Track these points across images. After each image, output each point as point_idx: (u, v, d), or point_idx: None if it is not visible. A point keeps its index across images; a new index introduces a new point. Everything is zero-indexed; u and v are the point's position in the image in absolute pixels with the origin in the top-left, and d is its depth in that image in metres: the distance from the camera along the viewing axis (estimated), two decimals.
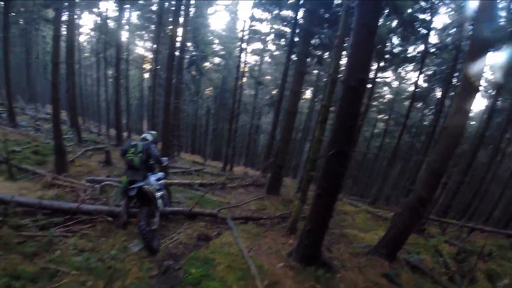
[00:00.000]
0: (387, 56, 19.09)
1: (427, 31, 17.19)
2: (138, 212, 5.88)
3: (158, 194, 6.63)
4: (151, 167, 6.72)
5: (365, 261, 6.91)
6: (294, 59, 18.41)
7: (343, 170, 5.37)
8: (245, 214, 9.18)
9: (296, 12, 15.77)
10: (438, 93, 23.95)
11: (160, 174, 7.28)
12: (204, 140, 40.01)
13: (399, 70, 26.28)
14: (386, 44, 17.88)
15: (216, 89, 37.85)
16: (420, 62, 18.17)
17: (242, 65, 21.42)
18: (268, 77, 36.26)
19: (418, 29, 17.37)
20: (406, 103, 30.87)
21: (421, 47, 18.86)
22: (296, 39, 15.78)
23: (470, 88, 6.43)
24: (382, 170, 34.12)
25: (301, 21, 16.16)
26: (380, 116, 33.61)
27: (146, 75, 37.10)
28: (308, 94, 33.51)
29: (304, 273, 5.68)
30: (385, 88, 31.41)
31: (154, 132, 7.03)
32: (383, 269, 6.52)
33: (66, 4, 16.81)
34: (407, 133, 27.19)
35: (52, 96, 10.31)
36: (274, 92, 34.65)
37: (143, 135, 6.80)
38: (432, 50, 18.64)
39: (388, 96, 32.16)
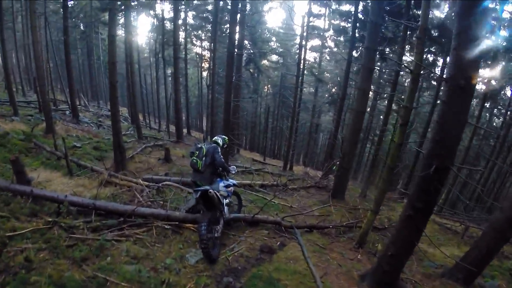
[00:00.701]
0: None
1: None
2: (200, 217, 5.66)
3: (225, 201, 6.33)
4: (220, 173, 6.47)
5: (439, 285, 6.06)
6: (355, 55, 17.78)
7: (440, 189, 4.50)
8: (309, 221, 8.47)
9: (356, 6, 15.21)
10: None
11: (231, 181, 6.84)
12: (263, 138, 39.65)
13: None
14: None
15: (275, 87, 37.46)
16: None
17: (302, 62, 20.53)
18: (327, 75, 34.93)
19: None
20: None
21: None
22: (357, 34, 15.11)
23: None
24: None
25: (360, 15, 15.57)
26: None
27: (205, 74, 37.38)
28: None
29: None
30: None
31: (225, 137, 6.78)
32: None
33: (121, 6, 17.04)
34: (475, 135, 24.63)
35: (110, 94, 10.31)
36: (334, 89, 33.54)
37: (214, 138, 6.57)
38: None
39: None
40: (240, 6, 15.06)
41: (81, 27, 33.63)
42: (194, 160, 5.93)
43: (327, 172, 16.52)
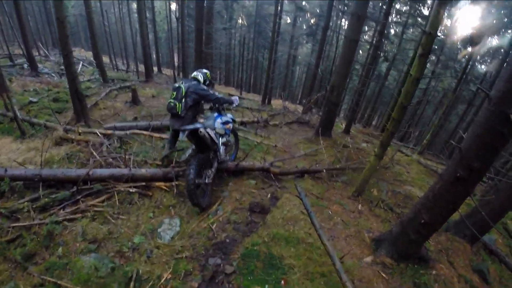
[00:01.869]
0: None
1: None
2: (190, 161, 4.79)
3: (222, 140, 5.75)
4: (218, 108, 5.90)
5: (445, 241, 5.51)
6: None
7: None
8: (298, 164, 7.77)
9: None
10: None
11: (229, 117, 6.15)
12: (239, 71, 38.18)
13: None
14: None
15: (250, 17, 35.56)
16: None
17: None
18: (306, 4, 33.01)
19: None
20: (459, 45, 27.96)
21: None
22: None
23: None
24: (428, 116, 32.23)
25: None
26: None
27: (173, 6, 34.57)
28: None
29: (401, 273, 4.16)
30: None
31: (206, 71, 5.55)
32: (466, 255, 5.32)
33: None
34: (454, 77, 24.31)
35: (58, 33, 8.52)
36: (313, 20, 31.93)
37: (194, 73, 5.40)
38: None
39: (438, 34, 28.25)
40: None
41: None
42: (172, 103, 4.87)
43: (308, 106, 15.92)
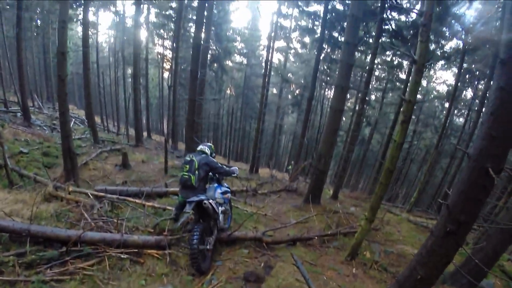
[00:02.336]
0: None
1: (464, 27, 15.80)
2: (193, 229, 5.04)
3: (221, 208, 5.89)
4: (218, 178, 6.19)
5: None
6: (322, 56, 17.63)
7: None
8: (290, 232, 7.75)
9: (326, 5, 15.29)
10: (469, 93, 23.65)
11: (226, 187, 6.42)
12: (227, 140, 38.76)
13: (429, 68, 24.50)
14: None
15: (238, 88, 37.05)
16: (461, 58, 16.66)
17: (269, 61, 19.85)
18: (291, 76, 34.76)
19: (455, 24, 16.28)
20: (436, 103, 29.54)
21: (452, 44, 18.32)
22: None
23: None
24: (413, 173, 32.94)
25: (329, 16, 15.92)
26: None
27: (166, 75, 35.98)
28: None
29: None
30: None
31: (210, 144, 6.21)
32: None
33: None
34: (434, 134, 25.97)
35: (58, 90, 8.76)
36: (298, 91, 33.41)
37: (200, 147, 6.00)
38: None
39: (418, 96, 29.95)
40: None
41: (38, 22, 31.05)
42: (186, 176, 5.38)
43: (296, 174, 16.02)
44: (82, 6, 17.84)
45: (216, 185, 6.03)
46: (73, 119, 21.36)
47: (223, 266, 5.28)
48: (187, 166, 5.43)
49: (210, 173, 5.95)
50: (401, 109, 5.80)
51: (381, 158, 21.59)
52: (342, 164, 15.30)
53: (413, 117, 27.60)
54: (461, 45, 16.76)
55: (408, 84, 5.67)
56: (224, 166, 5.84)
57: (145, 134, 24.64)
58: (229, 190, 6.49)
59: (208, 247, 5.19)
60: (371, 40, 16.48)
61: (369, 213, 6.15)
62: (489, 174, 3.22)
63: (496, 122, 3.29)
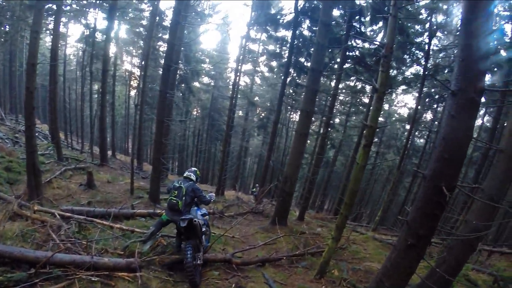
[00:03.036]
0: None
1: (424, 54, 16.86)
2: (185, 246, 5.47)
3: (203, 229, 6.16)
4: (196, 203, 6.36)
5: None
6: (288, 80, 18.14)
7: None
8: (257, 253, 7.87)
9: (294, 31, 15.48)
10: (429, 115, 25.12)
11: (205, 210, 6.76)
12: (192, 162, 38.37)
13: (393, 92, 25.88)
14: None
15: (204, 110, 37.01)
16: (421, 83, 17.54)
17: (237, 84, 20.14)
18: (257, 99, 35.25)
19: (415, 52, 17.57)
20: (398, 125, 30.88)
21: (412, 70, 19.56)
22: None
23: None
24: (377, 193, 33.97)
25: (296, 42, 16.23)
26: None
27: (133, 93, 35.42)
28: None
29: None
30: None
31: (196, 169, 6.53)
32: None
33: (51, 7, 15.28)
34: (397, 155, 27.10)
35: (25, 103, 8.51)
36: (263, 114, 33.86)
37: (186, 173, 6.31)
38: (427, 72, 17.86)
39: (380, 119, 31.33)
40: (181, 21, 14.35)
41: (6, 28, 29.41)
42: (174, 201, 5.73)
43: (262, 196, 16.20)
44: (54, 16, 17.31)
45: (196, 208, 6.29)
46: (36, 134, 20.41)
47: None
48: (175, 192, 5.76)
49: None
50: (363, 134, 6.21)
51: (345, 180, 22.27)
52: (307, 186, 15.56)
53: (376, 139, 28.75)
54: (421, 71, 17.73)
55: (370, 110, 6.08)
56: (206, 196, 6.17)
57: (109, 153, 24.07)
58: (207, 212, 6.81)
59: (199, 262, 5.56)
60: (336, 66, 17.13)
61: (335, 232, 6.43)
62: (443, 192, 3.56)
63: (447, 146, 3.67)
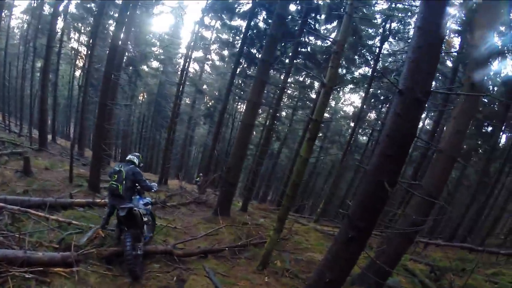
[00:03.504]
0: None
1: (374, 56, 17.88)
2: (124, 235, 5.44)
3: (145, 219, 6.08)
4: (139, 191, 6.35)
5: None
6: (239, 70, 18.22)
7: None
8: (200, 244, 7.92)
9: (249, 21, 15.69)
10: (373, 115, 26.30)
11: (148, 199, 6.70)
12: (136, 149, 37.18)
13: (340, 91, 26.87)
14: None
15: (151, 95, 35.92)
16: (368, 84, 18.59)
17: (186, 70, 19.71)
18: (206, 87, 34.88)
19: (366, 54, 18.47)
20: (342, 122, 32.14)
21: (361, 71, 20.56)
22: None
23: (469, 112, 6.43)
24: (319, 186, 35.12)
25: (250, 32, 16.48)
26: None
27: (78, 73, 33.33)
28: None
29: None
30: None
31: (139, 154, 6.44)
32: None
33: None
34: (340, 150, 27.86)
35: None
36: (211, 102, 33.60)
37: (129, 156, 6.24)
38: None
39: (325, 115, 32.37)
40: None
41: None
42: (114, 185, 5.67)
43: (205, 186, 16.55)
44: None
45: (138, 196, 6.25)
46: None
47: (134, 283, 5.17)
48: (115, 175, 5.69)
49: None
50: (308, 127, 6.44)
51: (289, 172, 22.82)
52: (251, 177, 15.78)
53: (321, 134, 29.64)
54: (370, 72, 18.62)
55: (317, 104, 6.26)
56: (147, 182, 6.08)
57: (50, 137, 22.58)
58: (150, 201, 6.70)
59: (139, 252, 5.48)
60: (287, 60, 17.41)
61: (277, 223, 6.65)
62: (385, 187, 3.72)
63: (391, 143, 3.83)
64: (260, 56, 14.19)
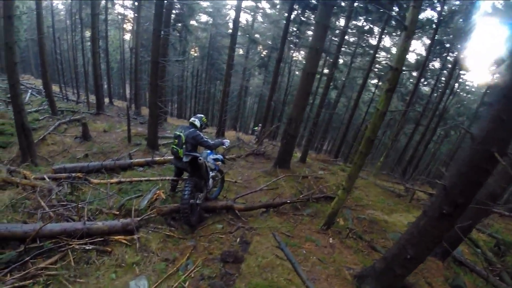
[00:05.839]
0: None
1: None
2: (185, 182, 5.52)
3: (211, 173, 6.28)
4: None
5: None
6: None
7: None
8: (261, 198, 7.68)
9: None
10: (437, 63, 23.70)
11: (219, 156, 6.77)
12: (191, 103, 37.71)
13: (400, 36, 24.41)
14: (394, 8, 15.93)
15: (203, 49, 35.67)
16: (434, 29, 16.71)
17: (238, 19, 18.84)
18: (258, 36, 33.64)
19: None
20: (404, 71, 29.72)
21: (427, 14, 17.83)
22: None
23: None
24: (377, 138, 33.57)
25: None
26: (374, 82, 31.31)
27: (127, 37, 33.84)
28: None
29: None
30: (383, 53, 28.79)
31: (202, 116, 6.23)
32: (439, 272, 5.63)
33: None
34: (400, 100, 26.43)
35: (6, 60, 7.89)
36: (264, 52, 32.51)
37: (191, 119, 6.08)
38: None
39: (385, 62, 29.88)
40: None
41: None
42: (175, 149, 5.69)
43: (263, 137, 16.15)
44: None
45: (208, 151, 6.37)
46: (30, 90, 19.90)
47: (197, 247, 5.00)
48: (176, 140, 5.65)
49: None
50: (387, 77, 5.49)
51: (348, 122, 21.92)
52: (311, 128, 15.14)
53: (380, 82, 27.86)
54: (436, 16, 16.60)
55: (396, 51, 5.27)
56: (210, 140, 5.86)
57: (106, 100, 23.56)
58: (220, 158, 6.74)
59: (197, 201, 5.57)
60: (342, 4, 15.96)
61: (346, 182, 6.05)
62: (494, 158, 3.06)
63: (509, 105, 3.06)
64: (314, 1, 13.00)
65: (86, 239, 4.38)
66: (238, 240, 5.44)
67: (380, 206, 8.90)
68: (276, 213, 6.91)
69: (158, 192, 6.14)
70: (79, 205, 5.02)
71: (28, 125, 8.13)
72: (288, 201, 7.26)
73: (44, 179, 6.36)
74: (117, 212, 5.36)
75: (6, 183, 5.97)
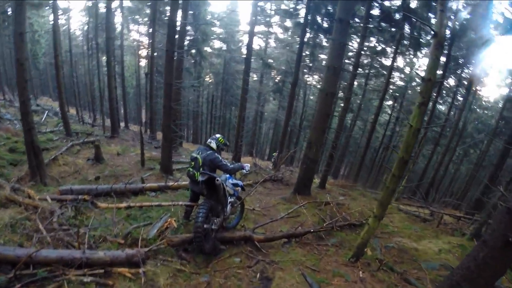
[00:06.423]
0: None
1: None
2: (199, 205, 5.22)
3: (230, 199, 5.90)
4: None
5: None
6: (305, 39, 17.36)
7: None
8: (281, 228, 7.11)
9: None
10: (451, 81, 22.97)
11: (239, 182, 6.41)
12: (207, 128, 37.87)
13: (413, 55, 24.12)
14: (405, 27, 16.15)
15: (217, 75, 36.25)
16: (449, 45, 16.79)
17: (251, 44, 18.86)
18: (271, 61, 33.86)
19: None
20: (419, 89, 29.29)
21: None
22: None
23: None
24: (393, 160, 32.87)
25: None
26: (389, 103, 31.02)
27: (143, 63, 34.66)
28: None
29: None
30: (397, 74, 28.55)
31: (219, 136, 6.00)
32: None
33: None
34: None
35: (17, 77, 7.75)
36: (278, 77, 32.61)
37: (208, 140, 5.92)
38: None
39: (399, 82, 29.56)
40: None
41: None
42: (191, 172, 5.56)
43: (281, 163, 15.85)
44: None
45: (227, 175, 5.98)
46: (46, 111, 20.53)
47: (212, 283, 4.43)
48: (193, 163, 5.53)
49: None
50: (419, 90, 4.94)
51: (365, 145, 21.40)
52: (330, 151, 14.60)
53: (396, 104, 27.35)
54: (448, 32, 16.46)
55: (428, 61, 4.75)
56: (228, 164, 5.60)
57: (122, 124, 23.74)
58: (240, 184, 6.38)
59: (213, 226, 5.21)
60: (356, 20, 15.83)
61: (378, 209, 5.43)
62: None
63: None
64: (325, 24, 12.77)
65: (85, 270, 3.85)
66: (258, 275, 4.87)
67: (407, 232, 8.33)
68: (298, 243, 6.36)
69: (169, 220, 5.68)
70: (78, 231, 4.46)
71: (38, 144, 7.94)
72: (312, 230, 6.82)
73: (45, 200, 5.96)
74: (122, 241, 4.83)
75: (9, 201, 5.62)
